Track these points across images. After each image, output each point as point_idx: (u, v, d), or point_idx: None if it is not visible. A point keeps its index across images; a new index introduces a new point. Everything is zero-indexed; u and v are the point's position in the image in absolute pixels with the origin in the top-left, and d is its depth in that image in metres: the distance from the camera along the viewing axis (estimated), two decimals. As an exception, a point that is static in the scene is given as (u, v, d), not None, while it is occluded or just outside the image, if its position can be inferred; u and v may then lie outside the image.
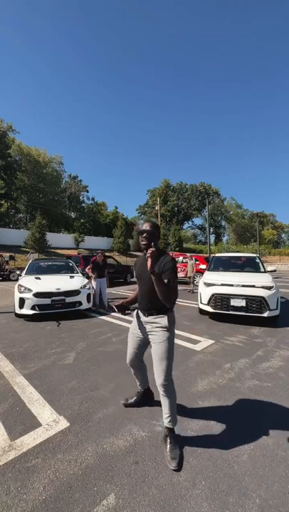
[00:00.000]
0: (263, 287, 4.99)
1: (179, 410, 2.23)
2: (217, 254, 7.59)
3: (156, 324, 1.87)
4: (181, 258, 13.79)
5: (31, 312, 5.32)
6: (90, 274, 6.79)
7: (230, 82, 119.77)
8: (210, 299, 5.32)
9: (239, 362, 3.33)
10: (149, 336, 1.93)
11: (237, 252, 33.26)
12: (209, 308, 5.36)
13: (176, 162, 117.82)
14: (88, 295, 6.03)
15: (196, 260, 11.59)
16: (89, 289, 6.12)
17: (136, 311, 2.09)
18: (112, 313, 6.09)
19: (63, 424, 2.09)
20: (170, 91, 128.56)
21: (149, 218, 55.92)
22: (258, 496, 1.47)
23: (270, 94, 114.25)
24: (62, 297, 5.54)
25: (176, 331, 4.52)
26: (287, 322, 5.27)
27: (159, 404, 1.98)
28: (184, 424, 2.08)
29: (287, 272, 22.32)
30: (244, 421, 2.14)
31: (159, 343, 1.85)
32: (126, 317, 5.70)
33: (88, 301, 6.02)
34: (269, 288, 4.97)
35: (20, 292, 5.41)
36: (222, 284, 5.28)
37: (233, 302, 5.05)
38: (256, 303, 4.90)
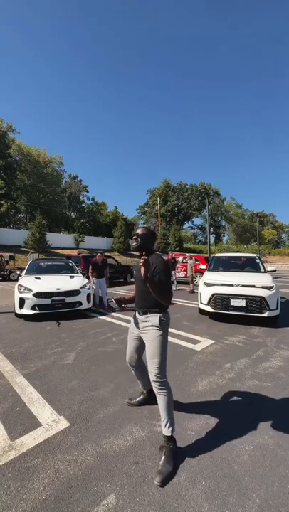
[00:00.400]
0: (263, 287, 4.98)
1: (179, 410, 2.24)
2: (217, 254, 7.59)
3: (147, 323, 1.90)
4: (181, 258, 13.80)
5: (31, 312, 5.32)
6: (90, 276, 6.76)
7: (230, 82, 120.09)
8: (210, 299, 5.32)
9: (239, 362, 3.33)
10: (142, 334, 1.96)
11: (237, 252, 33.25)
12: (209, 308, 5.36)
13: (176, 162, 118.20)
14: (88, 295, 6.03)
15: (195, 260, 11.59)
16: (89, 289, 6.13)
17: (135, 312, 2.10)
18: (112, 313, 6.09)
19: (63, 424, 2.09)
20: (170, 91, 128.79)
21: (149, 218, 55.97)
22: (258, 496, 1.47)
23: (270, 94, 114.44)
24: (63, 297, 5.54)
25: (176, 331, 4.55)
26: (287, 322, 5.27)
27: (159, 404, 1.98)
28: (184, 424, 2.08)
29: (287, 272, 22.32)
30: (244, 421, 2.14)
31: (150, 341, 1.87)
32: (126, 317, 5.70)
33: (88, 301, 6.02)
34: (269, 288, 4.97)
35: (21, 292, 5.41)
36: (222, 284, 5.28)
37: (233, 302, 5.05)
38: (256, 303, 4.90)
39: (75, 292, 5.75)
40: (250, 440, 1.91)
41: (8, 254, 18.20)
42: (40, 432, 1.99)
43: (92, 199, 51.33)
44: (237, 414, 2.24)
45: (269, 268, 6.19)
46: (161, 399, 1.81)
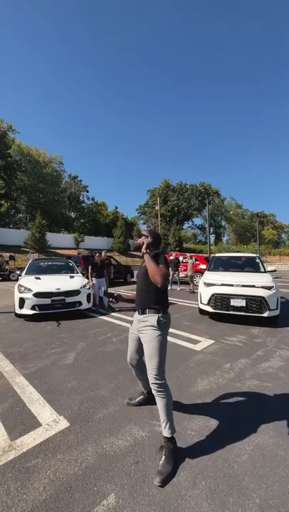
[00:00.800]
0: (263, 287, 4.98)
1: (179, 410, 2.24)
2: (217, 254, 7.59)
3: (145, 323, 1.88)
4: (181, 258, 13.80)
5: (31, 312, 5.32)
6: (90, 276, 6.74)
7: (230, 82, 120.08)
8: (210, 299, 5.32)
9: (239, 362, 3.33)
10: (140, 335, 1.95)
11: (237, 252, 33.24)
12: (209, 308, 5.35)
13: (176, 162, 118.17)
14: (88, 295, 6.03)
15: (195, 260, 11.59)
16: (89, 289, 6.13)
17: (136, 312, 2.10)
18: (112, 313, 6.09)
19: (63, 424, 2.09)
20: (170, 91, 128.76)
21: (149, 218, 55.97)
22: (258, 495, 1.47)
23: (270, 94, 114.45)
24: (63, 297, 5.54)
25: (176, 331, 4.55)
26: (287, 322, 5.27)
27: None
28: (184, 424, 2.08)
29: (287, 272, 22.31)
30: (244, 421, 2.14)
31: (147, 342, 1.85)
32: (126, 317, 5.70)
33: (88, 301, 6.02)
34: (269, 288, 4.97)
35: (21, 292, 5.41)
36: (222, 284, 5.28)
37: (233, 302, 5.05)
38: (256, 303, 4.90)
39: (75, 292, 5.75)
40: (250, 440, 1.91)
41: (8, 254, 18.20)
42: (40, 432, 1.99)
43: (92, 199, 51.43)
44: (237, 414, 2.24)
45: (269, 268, 6.19)
46: (159, 401, 1.79)
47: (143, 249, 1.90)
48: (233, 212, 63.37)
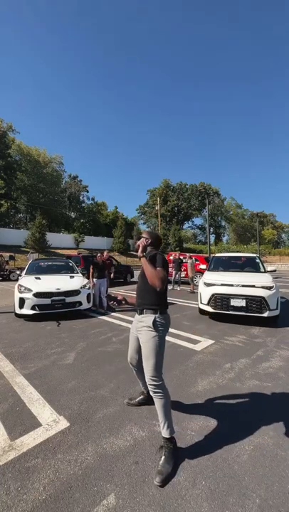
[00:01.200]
0: (263, 287, 4.98)
1: (179, 410, 2.24)
2: (217, 254, 7.59)
3: (143, 323, 1.87)
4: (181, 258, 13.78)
5: (31, 312, 5.32)
6: (91, 276, 6.71)
7: (230, 82, 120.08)
8: (210, 299, 5.32)
9: (239, 362, 3.33)
10: (138, 335, 1.94)
11: (237, 252, 33.25)
12: (209, 308, 5.36)
13: (176, 162, 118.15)
14: (88, 295, 6.03)
15: (195, 260, 11.59)
16: (89, 289, 6.12)
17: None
18: (112, 313, 6.09)
19: (63, 424, 2.09)
20: (170, 91, 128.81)
21: (149, 218, 56.00)
22: (258, 495, 1.47)
23: (270, 94, 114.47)
24: (62, 297, 5.54)
25: (176, 331, 4.56)
26: (287, 322, 5.27)
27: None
28: (183, 424, 2.08)
29: (287, 272, 22.31)
30: (244, 421, 2.14)
31: (144, 343, 1.84)
32: (126, 317, 5.70)
33: (88, 301, 6.02)
34: (269, 288, 4.97)
35: (21, 292, 5.41)
36: (222, 284, 5.28)
37: (233, 302, 5.05)
38: (256, 303, 4.90)
39: (75, 292, 5.75)
40: (250, 440, 1.91)
41: (8, 254, 18.21)
42: (40, 432, 1.99)
43: (92, 199, 51.41)
44: (237, 414, 2.24)
45: (269, 268, 6.19)
46: (157, 402, 1.77)
47: (139, 253, 1.89)
48: (233, 212, 63.36)
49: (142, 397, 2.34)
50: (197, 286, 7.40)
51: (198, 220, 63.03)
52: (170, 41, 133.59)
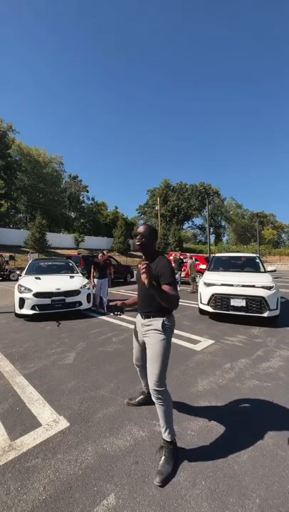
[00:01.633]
0: (263, 287, 4.98)
1: (179, 410, 2.24)
2: (217, 254, 7.59)
3: (150, 326, 1.84)
4: (181, 258, 13.78)
5: (31, 312, 5.32)
6: (92, 276, 6.69)
7: (230, 82, 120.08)
8: (210, 299, 5.32)
9: (239, 362, 3.33)
10: (144, 338, 1.90)
11: (237, 252, 33.25)
12: (209, 308, 5.35)
13: (176, 162, 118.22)
14: (88, 295, 6.03)
15: (195, 260, 11.58)
16: (89, 289, 6.12)
17: (138, 314, 2.08)
18: (112, 314, 6.08)
19: (63, 424, 2.09)
20: (170, 91, 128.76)
21: (149, 218, 55.97)
22: (258, 495, 1.47)
23: (270, 94, 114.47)
24: (62, 297, 5.54)
25: (176, 331, 4.55)
26: (287, 322, 5.27)
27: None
28: (183, 424, 2.08)
29: (287, 272, 22.31)
30: (244, 421, 2.14)
31: (151, 345, 1.81)
32: (126, 317, 5.70)
33: (88, 301, 6.02)
34: (269, 288, 4.97)
35: (21, 292, 5.41)
36: (222, 284, 5.28)
37: (233, 302, 5.05)
38: (256, 303, 4.90)
39: (75, 292, 5.75)
40: (250, 440, 1.91)
41: (8, 254, 18.21)
42: (40, 432, 1.99)
43: (92, 199, 51.41)
44: (237, 414, 2.24)
45: (269, 268, 6.19)
46: (159, 407, 1.75)
47: (148, 285, 1.56)
48: (233, 212, 63.37)
49: (142, 397, 2.34)
50: (197, 286, 7.40)
51: (198, 220, 63.14)
52: (170, 41, 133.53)
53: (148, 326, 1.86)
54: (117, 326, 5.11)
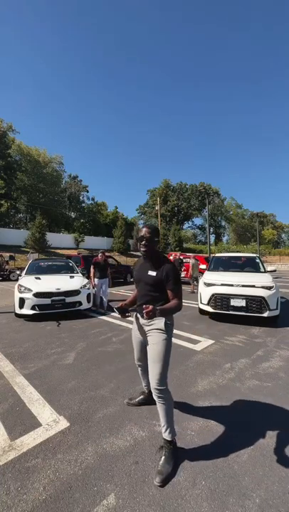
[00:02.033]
0: (263, 287, 4.99)
1: (179, 410, 2.24)
2: (217, 254, 7.60)
3: (152, 326, 1.85)
4: (181, 258, 13.77)
5: (31, 312, 5.32)
6: (92, 276, 6.66)
7: (230, 82, 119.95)
8: (210, 299, 5.32)
9: (239, 362, 3.33)
10: (146, 338, 1.91)
11: (237, 252, 33.26)
12: (209, 308, 5.36)
13: (176, 162, 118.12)
14: (88, 295, 6.03)
15: (196, 260, 11.58)
16: (89, 288, 6.12)
17: (135, 313, 2.09)
18: (112, 313, 6.08)
19: (63, 424, 2.09)
20: (170, 91, 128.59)
21: (149, 218, 55.94)
22: (258, 495, 1.47)
23: (270, 94, 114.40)
24: (63, 297, 5.54)
25: (176, 331, 4.55)
26: (287, 322, 5.27)
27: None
28: (183, 424, 2.08)
29: (287, 272, 22.32)
30: (244, 421, 2.14)
31: (153, 344, 1.82)
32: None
33: (88, 301, 6.02)
34: (269, 288, 4.97)
35: (21, 292, 5.41)
36: (222, 284, 5.28)
37: (233, 302, 5.05)
38: (256, 303, 4.90)
39: (75, 292, 5.75)
40: (250, 440, 1.91)
41: (8, 254, 18.20)
42: (40, 432, 1.99)
43: (92, 199, 51.37)
44: (237, 414, 2.24)
45: (269, 268, 6.19)
46: (160, 407, 1.76)
47: (146, 318, 1.62)
48: (233, 212, 63.35)
49: (142, 397, 2.34)
50: (197, 286, 7.40)
51: (198, 220, 63.08)
52: (170, 41, 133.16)
53: (150, 325, 1.87)
54: (117, 326, 5.11)
